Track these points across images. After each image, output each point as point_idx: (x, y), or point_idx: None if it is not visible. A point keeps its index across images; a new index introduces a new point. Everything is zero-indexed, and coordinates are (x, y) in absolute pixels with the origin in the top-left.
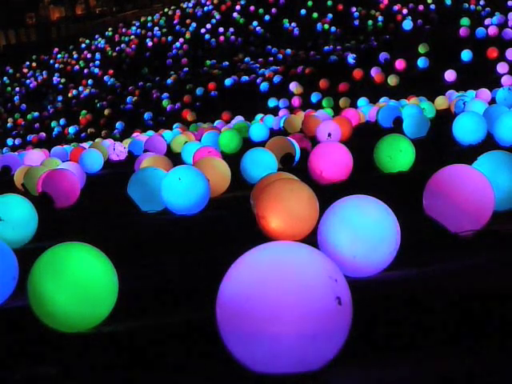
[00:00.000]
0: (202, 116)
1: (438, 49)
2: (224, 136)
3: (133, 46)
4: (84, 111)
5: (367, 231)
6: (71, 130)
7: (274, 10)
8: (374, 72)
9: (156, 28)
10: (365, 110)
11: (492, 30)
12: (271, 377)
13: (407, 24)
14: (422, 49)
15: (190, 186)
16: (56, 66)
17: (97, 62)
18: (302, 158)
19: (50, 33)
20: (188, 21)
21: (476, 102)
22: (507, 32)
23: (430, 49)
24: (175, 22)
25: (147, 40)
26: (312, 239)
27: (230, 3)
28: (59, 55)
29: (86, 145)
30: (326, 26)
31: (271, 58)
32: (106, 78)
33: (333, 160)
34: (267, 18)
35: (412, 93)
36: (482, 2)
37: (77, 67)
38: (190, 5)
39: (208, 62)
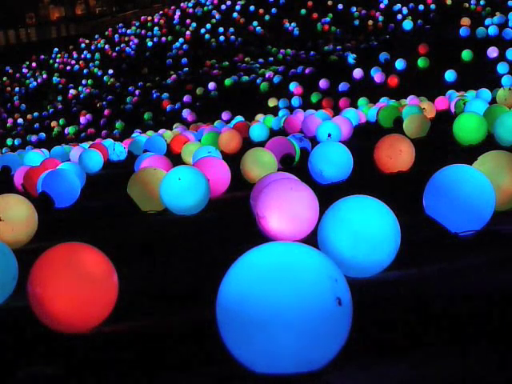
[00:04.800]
0: (201, 116)
1: (438, 49)
2: (225, 136)
3: (133, 45)
4: (84, 111)
5: (367, 231)
6: (71, 129)
7: (274, 10)
8: (375, 72)
9: (156, 28)
10: (365, 110)
11: (492, 30)
12: (271, 377)
13: (407, 24)
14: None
15: (190, 186)
16: (56, 65)
17: (97, 62)
18: (301, 158)
19: (50, 33)
20: (188, 21)
21: (476, 102)
22: (507, 32)
23: (430, 49)
24: (175, 21)
25: (147, 40)
26: (312, 239)
27: (230, 3)
28: (59, 55)
29: (84, 144)
30: (327, 27)
31: (271, 58)
32: (105, 78)
33: (333, 160)
34: (267, 17)
35: (412, 93)
36: (482, 2)
37: (77, 67)
38: (190, 5)
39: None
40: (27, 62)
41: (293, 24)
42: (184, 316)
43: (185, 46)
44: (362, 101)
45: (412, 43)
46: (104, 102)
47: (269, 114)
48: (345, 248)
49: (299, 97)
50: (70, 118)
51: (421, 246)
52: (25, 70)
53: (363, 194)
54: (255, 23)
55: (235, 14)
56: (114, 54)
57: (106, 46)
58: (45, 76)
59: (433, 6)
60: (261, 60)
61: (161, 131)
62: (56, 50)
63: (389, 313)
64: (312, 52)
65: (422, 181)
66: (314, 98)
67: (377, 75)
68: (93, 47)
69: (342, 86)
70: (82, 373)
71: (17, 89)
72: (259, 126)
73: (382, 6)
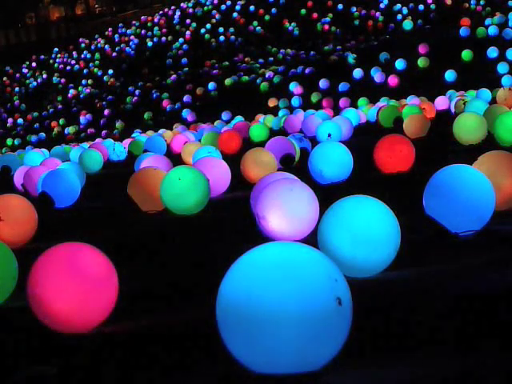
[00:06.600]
0: (201, 116)
1: (438, 49)
2: (225, 136)
3: (133, 45)
4: (84, 111)
5: (367, 231)
6: (71, 129)
7: (274, 10)
8: (375, 72)
9: (156, 28)
10: (365, 110)
11: (492, 30)
12: (271, 377)
13: (407, 24)
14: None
15: (190, 186)
16: (56, 65)
17: (97, 62)
18: (301, 158)
19: (50, 33)
20: (188, 21)
21: (476, 102)
22: (507, 32)
23: (430, 49)
24: (175, 21)
25: (147, 40)
26: (312, 239)
27: (230, 3)
28: (59, 55)
29: (84, 144)
30: (327, 27)
31: (271, 58)
32: (105, 78)
33: (333, 160)
34: (267, 17)
35: (412, 93)
36: (482, 2)
37: (77, 67)
38: (190, 5)
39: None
40: (27, 62)
41: (293, 24)
42: (184, 316)
43: (185, 46)
44: (361, 101)
45: (412, 43)
46: (104, 102)
47: (269, 114)
48: (345, 248)
49: (299, 97)
50: (70, 118)
51: (421, 245)
52: (25, 70)
53: (363, 193)
54: (255, 23)
55: (235, 14)
56: (114, 53)
57: (106, 46)
58: (45, 76)
59: (433, 6)
60: (261, 60)
61: (161, 131)
62: (56, 49)
63: (388, 313)
64: (312, 52)
65: (421, 181)
66: (314, 98)
67: (377, 75)
68: (93, 47)
69: (342, 86)
70: (81, 373)
71: (17, 89)
72: (259, 126)
73: (381, 5)
